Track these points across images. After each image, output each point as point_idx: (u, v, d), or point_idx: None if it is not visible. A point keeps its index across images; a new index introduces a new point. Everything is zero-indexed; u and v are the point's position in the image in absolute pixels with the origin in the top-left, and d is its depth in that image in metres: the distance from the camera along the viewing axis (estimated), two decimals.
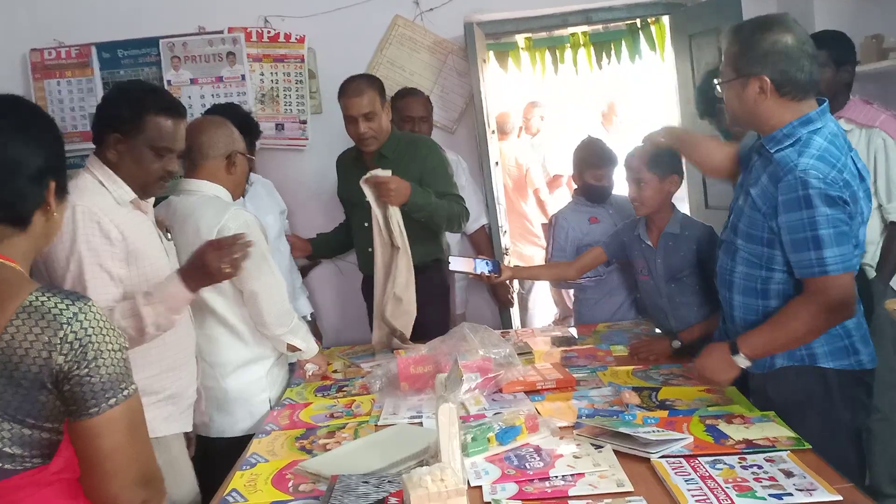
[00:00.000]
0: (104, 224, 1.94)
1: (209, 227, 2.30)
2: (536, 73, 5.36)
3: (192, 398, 2.22)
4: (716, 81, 2.05)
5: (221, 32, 3.86)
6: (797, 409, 1.97)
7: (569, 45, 5.21)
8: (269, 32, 3.89)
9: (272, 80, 3.94)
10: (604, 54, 5.15)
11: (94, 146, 2.07)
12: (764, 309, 2.00)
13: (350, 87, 3.13)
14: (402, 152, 3.14)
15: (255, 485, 1.82)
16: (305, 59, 3.92)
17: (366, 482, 1.68)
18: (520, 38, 4.97)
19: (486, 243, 3.87)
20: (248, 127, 2.89)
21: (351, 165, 3.25)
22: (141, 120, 2.00)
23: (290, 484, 1.82)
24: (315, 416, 2.32)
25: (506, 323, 3.94)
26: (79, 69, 3.83)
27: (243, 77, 3.88)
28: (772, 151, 1.93)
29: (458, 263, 2.94)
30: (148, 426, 1.36)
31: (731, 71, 1.97)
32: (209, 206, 2.37)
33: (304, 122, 3.96)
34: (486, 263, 2.88)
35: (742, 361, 1.97)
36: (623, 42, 5.07)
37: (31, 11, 3.81)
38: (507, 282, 3.82)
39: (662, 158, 2.60)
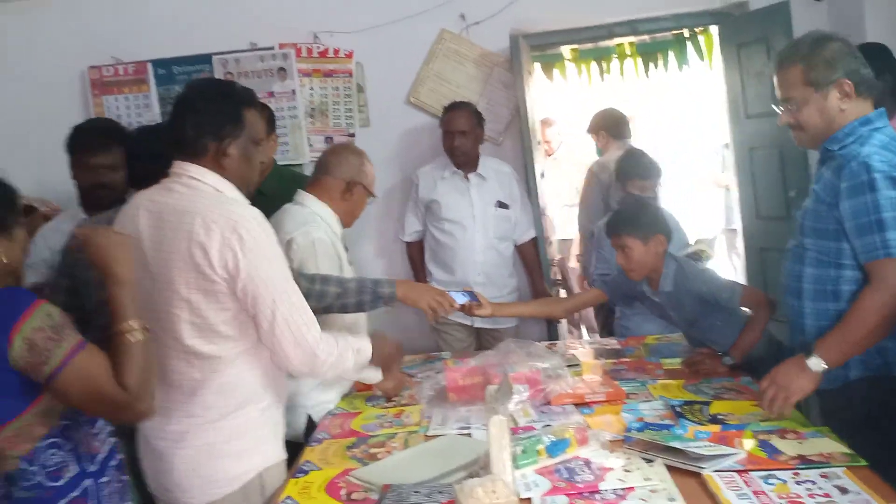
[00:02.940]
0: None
1: (281, 236, 2.38)
2: (582, 84, 5.36)
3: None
4: (780, 109, 2.06)
5: (272, 48, 3.95)
6: (869, 422, 1.94)
7: (615, 55, 5.21)
8: (318, 48, 3.98)
9: (322, 95, 4.02)
10: (650, 64, 5.13)
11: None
12: (836, 312, 1.98)
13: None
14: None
15: (308, 492, 1.86)
16: (354, 73, 3.99)
17: (417, 492, 1.70)
18: (565, 49, 4.98)
19: (533, 257, 3.86)
20: (85, 135, 2.77)
21: None
22: (242, 117, 1.98)
23: (342, 492, 1.85)
24: (366, 425, 2.35)
25: (553, 336, 3.94)
26: (136, 85, 3.95)
27: (294, 92, 3.97)
28: (836, 150, 1.97)
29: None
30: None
31: (804, 89, 1.99)
32: (293, 217, 2.50)
33: (353, 135, 4.03)
34: (463, 295, 2.72)
35: (817, 364, 1.92)
36: (670, 52, 5.04)
37: (89, 29, 3.95)
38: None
39: (641, 221, 2.57)
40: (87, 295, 2.40)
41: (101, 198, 2.70)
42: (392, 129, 3.99)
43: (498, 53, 3.93)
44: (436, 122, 3.75)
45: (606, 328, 4.35)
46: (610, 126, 4.62)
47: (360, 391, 2.67)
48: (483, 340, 3.63)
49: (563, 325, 4.16)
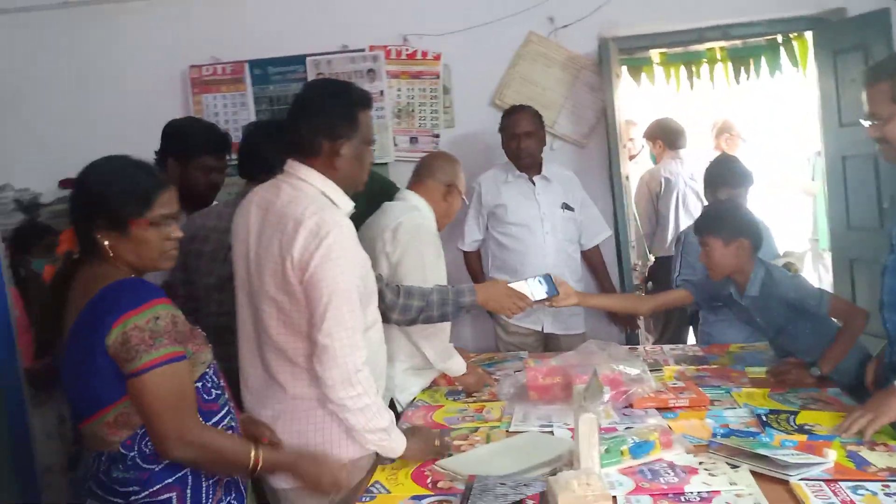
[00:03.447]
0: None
1: (387, 223, 2.56)
2: (671, 88, 5.29)
3: None
4: (868, 124, 2.03)
5: (363, 50, 4.06)
6: None
7: (705, 59, 5.13)
8: (407, 50, 4.06)
9: (409, 96, 4.10)
10: (741, 70, 5.03)
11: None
12: None
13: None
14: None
15: (396, 478, 1.92)
16: (441, 75, 4.06)
17: (503, 483, 1.74)
18: (654, 53, 4.94)
19: (599, 262, 3.80)
20: (214, 138, 2.87)
21: None
22: (357, 118, 2.01)
23: (428, 480, 1.91)
24: (448, 418, 2.41)
25: (630, 341, 3.91)
26: (233, 84, 4.11)
27: (382, 93, 4.06)
28: None
29: (516, 286, 2.68)
30: None
31: (891, 107, 1.97)
32: (400, 207, 2.63)
33: (437, 136, 4.10)
34: (540, 282, 2.70)
35: None
36: (762, 57, 4.94)
37: (191, 29, 4.12)
38: None
39: (724, 222, 2.57)
40: (199, 283, 2.57)
41: (209, 199, 2.83)
42: (476, 131, 4.04)
43: (585, 56, 3.94)
44: None
45: (665, 336, 4.32)
46: (667, 135, 4.64)
47: (441, 385, 2.74)
48: (550, 346, 3.57)
49: (640, 331, 4.12)
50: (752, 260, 2.59)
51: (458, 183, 2.76)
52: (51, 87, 4.14)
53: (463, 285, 2.52)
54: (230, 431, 1.81)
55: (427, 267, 2.55)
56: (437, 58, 4.07)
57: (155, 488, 1.68)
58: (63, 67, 4.15)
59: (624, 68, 4.58)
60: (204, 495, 1.73)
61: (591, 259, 3.78)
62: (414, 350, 2.59)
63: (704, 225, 2.64)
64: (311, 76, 4.05)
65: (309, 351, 1.93)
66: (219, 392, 1.81)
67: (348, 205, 2.04)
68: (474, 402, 2.57)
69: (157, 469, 1.69)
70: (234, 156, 2.83)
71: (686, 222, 4.90)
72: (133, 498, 1.68)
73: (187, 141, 2.80)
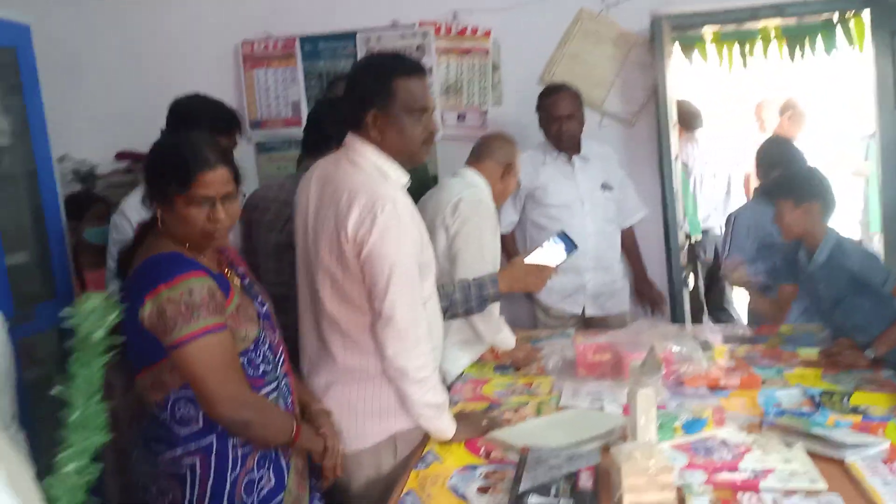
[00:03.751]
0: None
1: (448, 198, 2.61)
2: (723, 66, 5.21)
3: None
4: None
5: (413, 27, 4.06)
6: None
7: (759, 38, 5.03)
8: (457, 26, 4.06)
9: (457, 72, 4.10)
10: (796, 49, 4.93)
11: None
12: None
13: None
14: None
15: (450, 448, 1.97)
16: (490, 51, 4.06)
17: (556, 456, 1.77)
18: (707, 30, 4.86)
19: (632, 243, 3.75)
20: (221, 117, 2.77)
21: None
22: (391, 87, 1.96)
23: (481, 451, 1.95)
24: (497, 391, 2.44)
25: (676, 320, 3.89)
26: (284, 60, 4.15)
27: (431, 69, 4.06)
28: None
29: (534, 258, 2.60)
30: None
31: None
32: (459, 183, 2.68)
33: (485, 113, 4.10)
34: (556, 242, 2.59)
35: None
36: (818, 36, 4.83)
37: (244, 5, 4.16)
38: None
39: (796, 183, 2.58)
40: (259, 252, 2.63)
41: None
42: (524, 108, 4.03)
43: (636, 34, 3.90)
44: None
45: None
46: (683, 117, 4.60)
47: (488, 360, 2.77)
48: (592, 328, 3.48)
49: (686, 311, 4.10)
50: (823, 225, 2.62)
51: (516, 163, 2.80)
52: (109, 61, 4.21)
53: (484, 276, 2.49)
54: None
55: (484, 242, 2.59)
56: (488, 34, 4.06)
57: (178, 452, 1.76)
58: (121, 41, 4.22)
59: (676, 45, 4.52)
60: (231, 465, 1.77)
61: (625, 240, 3.71)
62: (463, 324, 2.62)
63: (777, 187, 2.73)
64: (360, 52, 4.07)
65: (361, 323, 1.97)
66: (267, 368, 1.85)
67: (403, 178, 2.05)
68: (523, 376, 2.60)
69: (183, 433, 1.76)
70: (243, 134, 2.88)
71: (703, 204, 4.89)
72: (160, 457, 1.77)
73: (191, 121, 2.70)
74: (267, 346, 1.87)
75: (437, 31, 4.07)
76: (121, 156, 4.00)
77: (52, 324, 2.33)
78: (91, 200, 3.49)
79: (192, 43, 4.17)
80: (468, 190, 2.65)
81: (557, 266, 2.58)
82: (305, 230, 2.08)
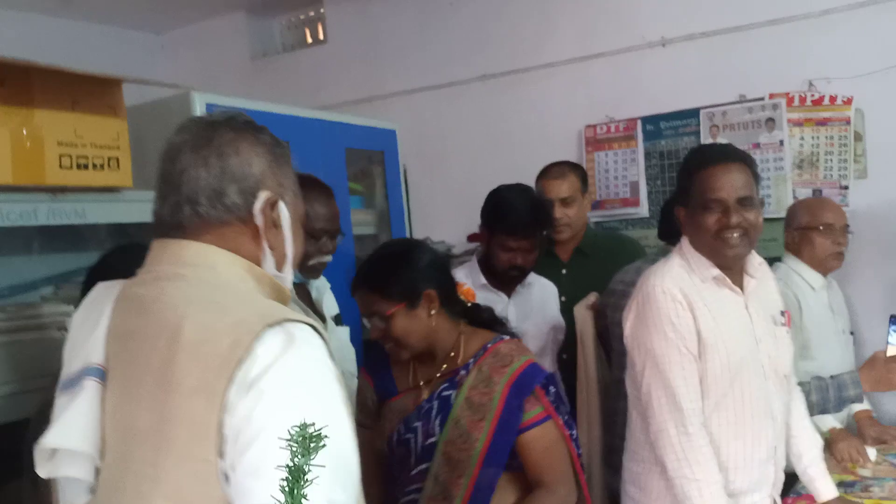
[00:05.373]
0: None
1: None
2: None
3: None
4: None
5: (762, 99, 3.86)
6: None
7: None
8: (812, 96, 3.77)
9: (813, 144, 3.79)
10: None
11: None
12: None
13: (552, 170, 3.27)
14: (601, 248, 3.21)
15: None
16: (852, 120, 3.69)
17: None
18: None
19: None
20: (512, 220, 2.73)
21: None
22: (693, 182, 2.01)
23: None
24: None
25: None
26: (624, 141, 4.22)
27: (781, 142, 3.82)
28: None
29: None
30: None
31: None
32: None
33: (846, 188, 3.72)
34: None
35: None
36: None
37: (588, 91, 4.33)
38: None
39: None
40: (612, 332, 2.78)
41: (507, 276, 2.84)
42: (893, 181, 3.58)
43: None
44: None
45: None
46: None
47: None
48: None
49: None
50: None
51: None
52: (467, 150, 4.66)
53: (844, 375, 2.29)
54: None
55: None
56: (848, 102, 3.70)
57: None
58: (478, 131, 4.65)
59: None
60: None
61: None
62: None
63: None
64: (704, 129, 3.98)
65: None
66: None
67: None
68: (869, 498, 2.27)
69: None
70: (545, 233, 2.82)
71: None
72: None
73: (490, 215, 2.82)
74: None
75: (790, 101, 3.82)
76: (472, 237, 4.36)
77: None
78: None
79: (540, 128, 4.44)
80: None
81: None
82: None
